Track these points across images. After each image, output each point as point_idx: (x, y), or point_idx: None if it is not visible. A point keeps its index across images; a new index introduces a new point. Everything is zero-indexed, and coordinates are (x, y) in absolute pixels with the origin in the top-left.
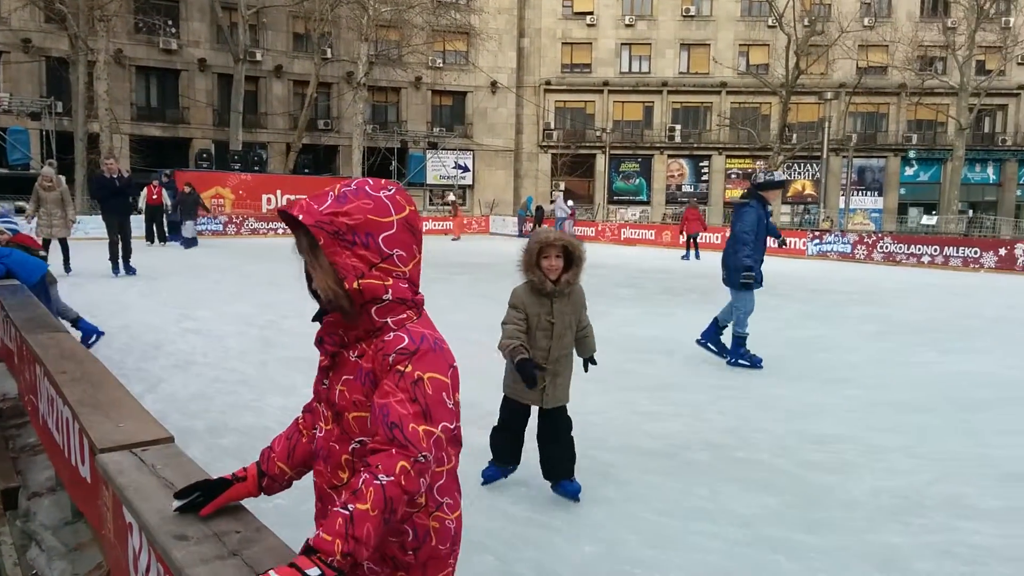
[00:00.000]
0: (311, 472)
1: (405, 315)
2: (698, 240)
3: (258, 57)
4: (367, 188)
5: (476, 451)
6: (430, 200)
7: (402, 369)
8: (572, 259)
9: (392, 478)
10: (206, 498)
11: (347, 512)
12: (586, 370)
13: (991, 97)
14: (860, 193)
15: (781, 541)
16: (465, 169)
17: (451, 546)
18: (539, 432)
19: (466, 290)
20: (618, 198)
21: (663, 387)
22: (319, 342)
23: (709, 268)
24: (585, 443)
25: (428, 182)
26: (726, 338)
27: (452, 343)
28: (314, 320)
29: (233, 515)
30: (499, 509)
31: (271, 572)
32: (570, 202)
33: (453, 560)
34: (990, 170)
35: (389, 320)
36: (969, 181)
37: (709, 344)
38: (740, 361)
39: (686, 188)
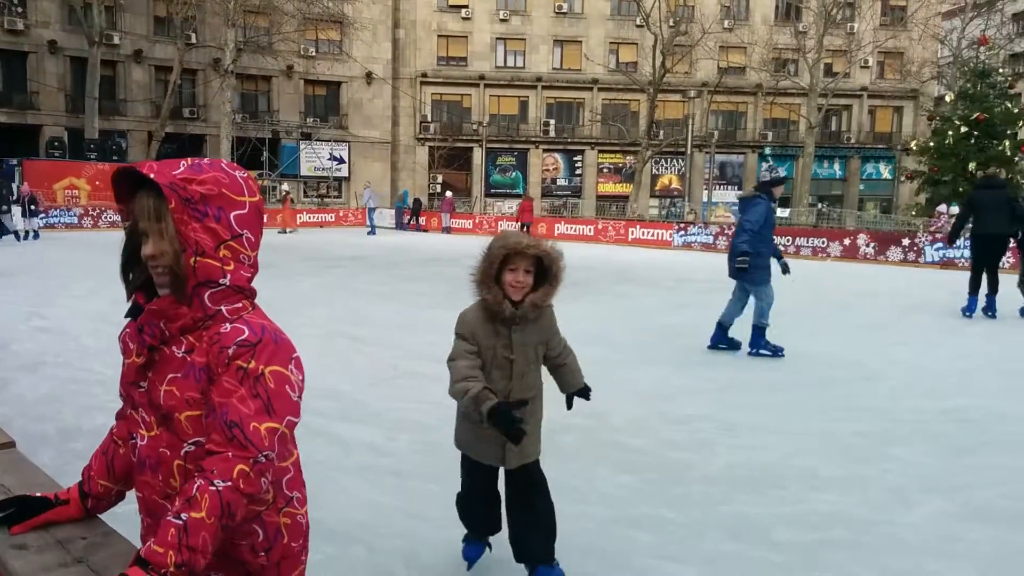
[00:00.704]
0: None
1: (240, 304)
2: (530, 229)
3: (116, 40)
4: (223, 165)
5: (343, 442)
6: (304, 192)
7: (243, 364)
8: (546, 275)
9: (230, 483)
10: (21, 516)
11: (180, 522)
12: (569, 406)
13: (837, 98)
14: (721, 187)
15: (643, 517)
16: (340, 161)
17: (303, 542)
18: (506, 499)
19: (340, 283)
20: (495, 191)
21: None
22: (137, 332)
23: (580, 257)
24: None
25: (302, 173)
26: (737, 337)
27: (324, 337)
28: (128, 316)
29: (80, 521)
30: (370, 498)
31: None
32: (449, 194)
33: (305, 556)
34: (836, 166)
35: (223, 309)
36: (818, 176)
37: (720, 345)
38: (762, 351)
39: (561, 182)
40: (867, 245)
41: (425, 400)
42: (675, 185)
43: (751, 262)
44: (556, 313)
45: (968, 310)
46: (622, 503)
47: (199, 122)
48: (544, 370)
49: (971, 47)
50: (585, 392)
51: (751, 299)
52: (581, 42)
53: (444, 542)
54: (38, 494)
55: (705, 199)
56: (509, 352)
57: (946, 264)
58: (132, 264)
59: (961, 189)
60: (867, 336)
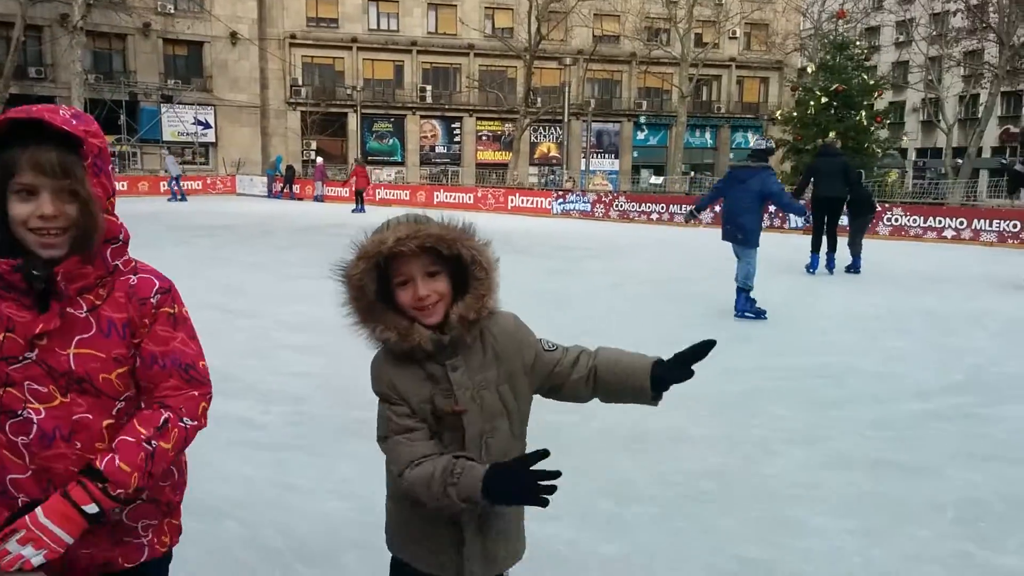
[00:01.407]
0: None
1: (127, 256)
2: (363, 197)
3: None
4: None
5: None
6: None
7: (170, 311)
8: (463, 267)
9: (196, 422)
10: None
11: (150, 448)
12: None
13: (707, 68)
14: (599, 155)
15: None
16: (206, 126)
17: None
18: None
19: (209, 254)
20: (373, 158)
21: None
22: (52, 295)
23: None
24: (333, 402)
25: (165, 139)
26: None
27: (193, 309)
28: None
29: None
30: (244, 474)
31: (37, 510)
32: (320, 160)
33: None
34: (708, 135)
35: (119, 263)
36: (691, 145)
37: (747, 313)
38: (747, 313)
39: (440, 149)
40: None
41: (298, 371)
42: (553, 153)
43: (749, 227)
44: None
45: (811, 267)
46: None
47: (47, 83)
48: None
49: (831, 20)
50: (690, 356)
51: (756, 257)
52: (456, 6)
53: (318, 513)
54: None
55: (583, 167)
56: (454, 403)
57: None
58: None
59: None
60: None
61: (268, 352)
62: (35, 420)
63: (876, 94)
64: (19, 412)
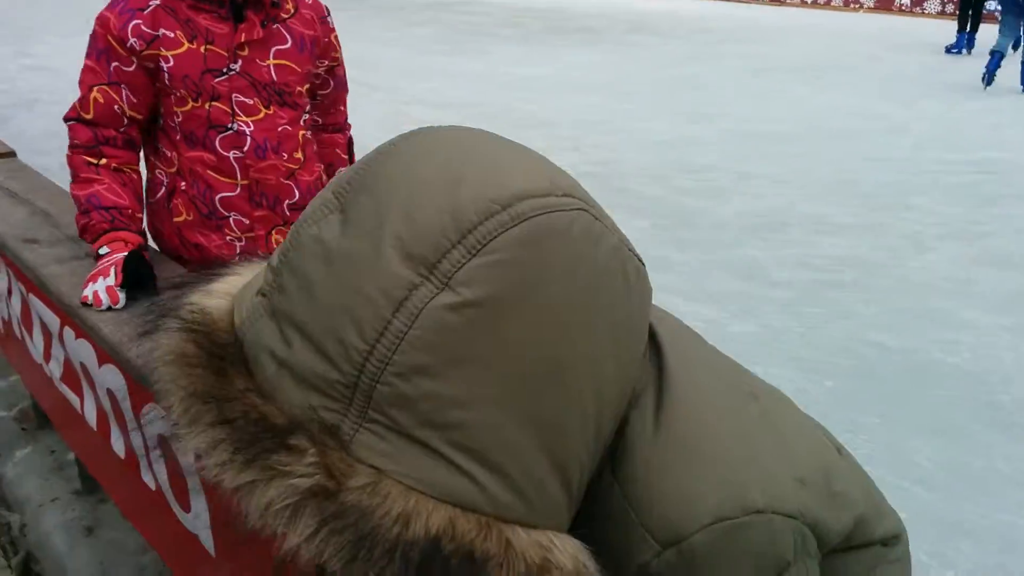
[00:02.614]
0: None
1: None
2: None
3: None
4: None
5: None
6: None
7: (336, 40)
8: None
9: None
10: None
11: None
12: None
13: None
14: None
15: (653, 259)
16: None
17: None
18: None
19: (341, 27)
20: None
21: (551, 124)
22: (248, 5)
23: (595, 5)
24: None
25: None
26: None
27: None
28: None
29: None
30: None
31: None
32: None
33: None
34: None
35: None
36: None
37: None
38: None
39: None
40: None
41: None
42: None
43: None
44: (573, 61)
45: (956, 47)
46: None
47: None
48: None
49: None
50: None
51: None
52: None
53: None
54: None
55: None
56: None
57: (987, 16)
58: None
59: None
60: (894, 89)
61: (403, 127)
62: (247, 132)
63: None
64: (229, 126)
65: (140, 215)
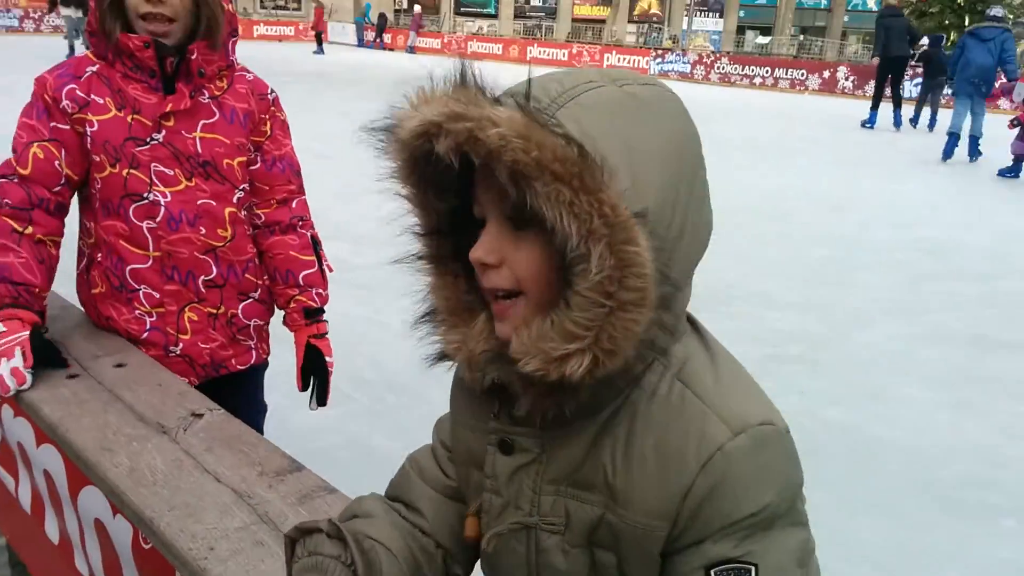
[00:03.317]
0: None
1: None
2: (322, 39)
3: None
4: None
5: None
6: (261, 3)
7: (282, 116)
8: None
9: (315, 230)
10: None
11: (323, 269)
12: None
13: None
14: (702, 14)
15: None
16: None
17: None
18: None
19: (300, 99)
20: (465, 9)
21: None
22: (109, 83)
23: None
24: None
25: None
26: None
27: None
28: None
29: None
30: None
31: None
32: (417, 8)
33: None
34: None
35: (234, 59)
36: (803, 5)
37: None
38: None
39: (535, 2)
40: (847, 79)
41: (386, 218)
42: (654, 10)
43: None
44: None
45: (869, 122)
46: None
47: None
48: None
49: None
50: None
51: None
52: None
53: (408, 350)
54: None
55: (685, 26)
56: (495, 491)
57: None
58: (111, 10)
59: (947, 21)
60: (838, 168)
61: (358, 198)
62: (162, 203)
63: None
64: (145, 195)
65: (46, 294)
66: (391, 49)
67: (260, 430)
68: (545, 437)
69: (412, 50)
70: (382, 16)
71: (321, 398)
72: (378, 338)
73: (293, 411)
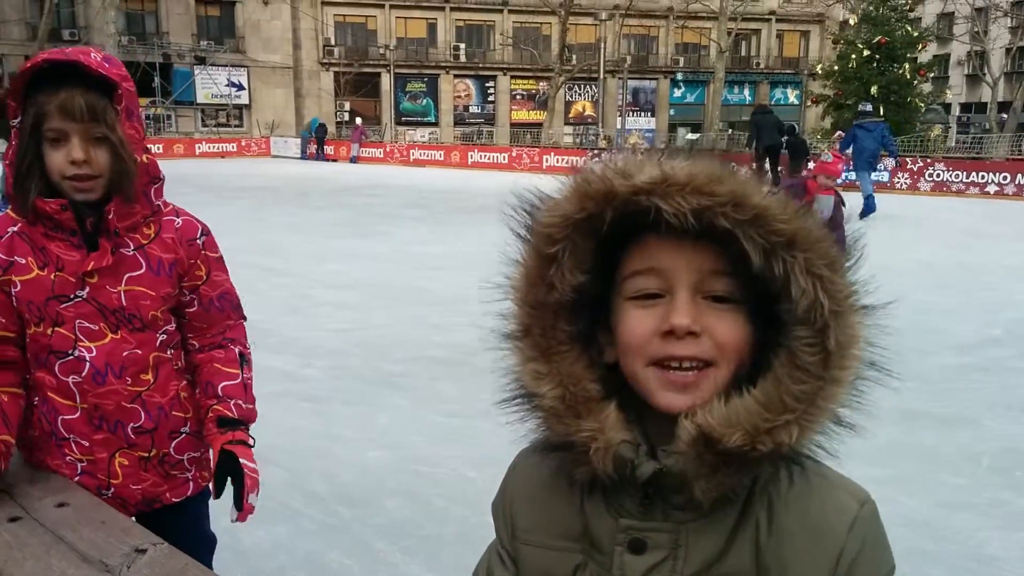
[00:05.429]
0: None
1: (163, 197)
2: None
3: None
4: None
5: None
6: (202, 122)
7: (215, 254)
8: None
9: (248, 350)
10: None
11: (248, 382)
12: None
13: (747, 22)
14: (635, 114)
15: None
16: (240, 87)
17: None
18: None
19: (247, 214)
20: (406, 119)
21: (456, 300)
22: (101, 234)
23: (496, 185)
24: (371, 356)
25: (199, 101)
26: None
27: (233, 267)
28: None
29: None
30: (288, 424)
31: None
32: (359, 121)
33: None
34: (746, 91)
35: (160, 203)
36: (729, 102)
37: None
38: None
39: (474, 109)
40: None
41: (337, 327)
42: (589, 112)
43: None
44: (477, 238)
45: None
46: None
47: (81, 45)
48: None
49: None
50: None
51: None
52: None
53: (360, 461)
54: None
55: (619, 126)
56: None
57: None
58: (30, 172)
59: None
60: None
61: (306, 309)
62: (87, 358)
63: (920, 47)
64: (70, 352)
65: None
66: (334, 160)
67: (206, 563)
68: (680, 531)
69: (355, 160)
70: (322, 127)
71: (238, 503)
72: (328, 450)
73: (246, 531)
